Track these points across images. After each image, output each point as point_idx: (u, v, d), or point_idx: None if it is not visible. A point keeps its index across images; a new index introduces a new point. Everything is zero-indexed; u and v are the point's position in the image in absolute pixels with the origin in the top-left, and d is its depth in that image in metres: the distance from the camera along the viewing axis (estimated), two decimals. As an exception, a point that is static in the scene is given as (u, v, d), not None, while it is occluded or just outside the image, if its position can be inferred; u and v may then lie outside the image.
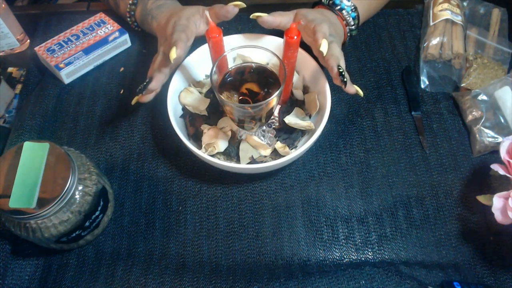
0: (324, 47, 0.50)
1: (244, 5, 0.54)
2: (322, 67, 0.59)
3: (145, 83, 0.52)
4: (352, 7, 0.61)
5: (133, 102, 0.54)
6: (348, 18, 0.61)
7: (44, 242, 0.47)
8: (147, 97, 0.54)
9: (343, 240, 0.54)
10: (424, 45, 0.68)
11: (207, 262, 0.53)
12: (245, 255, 0.53)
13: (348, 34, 0.64)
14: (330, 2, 0.62)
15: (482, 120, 0.60)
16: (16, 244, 0.52)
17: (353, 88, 0.52)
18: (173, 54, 0.50)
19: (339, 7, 0.61)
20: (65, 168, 0.45)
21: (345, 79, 0.50)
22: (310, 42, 0.56)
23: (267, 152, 0.57)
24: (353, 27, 0.63)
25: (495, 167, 0.52)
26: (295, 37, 0.49)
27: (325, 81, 0.58)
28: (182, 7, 0.61)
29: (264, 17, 0.55)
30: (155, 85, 0.53)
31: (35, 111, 0.62)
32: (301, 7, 0.57)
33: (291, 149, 0.58)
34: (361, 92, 0.52)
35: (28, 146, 0.46)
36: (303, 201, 0.57)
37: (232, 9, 0.55)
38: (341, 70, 0.50)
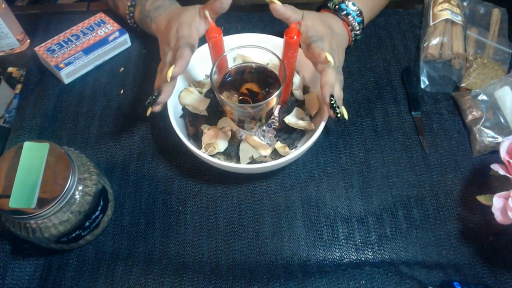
0: (330, 59, 0.50)
1: None
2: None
3: (154, 96, 0.52)
4: (358, 12, 0.61)
5: (148, 114, 0.53)
6: (353, 23, 0.61)
7: (44, 242, 0.47)
8: (159, 108, 0.54)
9: (343, 240, 0.54)
10: (424, 45, 0.68)
11: (207, 262, 0.53)
12: (245, 255, 0.53)
13: (353, 39, 0.64)
14: (336, 6, 0.61)
15: (482, 120, 0.60)
16: (16, 244, 0.52)
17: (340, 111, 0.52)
18: (170, 73, 0.50)
19: (345, 12, 0.61)
20: (65, 168, 0.45)
21: (337, 113, 0.50)
22: (309, 58, 0.55)
23: (267, 152, 0.57)
24: (358, 31, 0.63)
25: (495, 167, 0.52)
26: (295, 37, 0.49)
27: (325, 81, 0.57)
28: (180, 9, 0.60)
29: (277, 6, 0.54)
30: (164, 98, 0.52)
31: (35, 111, 0.62)
32: (301, 7, 0.56)
33: (291, 149, 0.58)
34: (346, 116, 0.52)
35: (28, 146, 0.46)
36: (303, 201, 0.57)
37: (225, 1, 0.54)
38: (332, 102, 0.50)
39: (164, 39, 0.56)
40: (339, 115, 0.50)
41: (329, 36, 0.55)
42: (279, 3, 0.54)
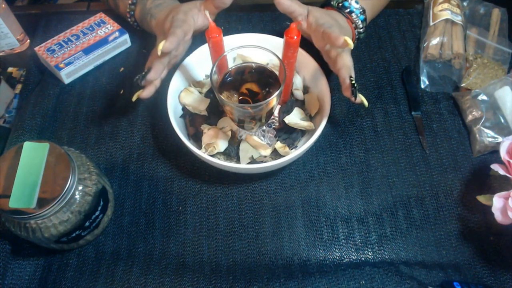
0: (350, 41, 0.49)
1: None
2: (322, 67, 0.59)
3: (143, 73, 0.52)
4: (361, 10, 0.61)
5: (134, 98, 0.53)
6: (357, 21, 0.61)
7: (44, 242, 0.47)
8: (147, 93, 0.54)
9: (343, 240, 0.54)
10: (424, 45, 0.68)
11: (207, 262, 0.53)
12: (245, 255, 0.53)
13: (357, 37, 0.64)
14: (340, 4, 0.61)
15: (482, 120, 0.60)
16: (16, 244, 0.52)
17: (359, 98, 0.52)
18: (160, 46, 0.50)
19: (348, 9, 0.61)
20: (65, 168, 0.45)
21: (355, 95, 0.50)
22: (320, 47, 0.55)
23: (267, 152, 0.57)
24: (361, 30, 0.63)
25: (495, 167, 0.52)
26: (295, 37, 0.49)
27: (325, 81, 0.58)
28: (180, 4, 0.61)
29: (282, 0, 0.54)
30: (153, 75, 0.52)
31: (35, 111, 0.62)
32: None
33: (291, 149, 0.58)
34: (366, 103, 0.52)
35: (28, 146, 0.46)
36: (303, 201, 0.57)
37: None
38: (353, 82, 0.50)
39: (160, 28, 0.57)
40: (356, 97, 0.50)
41: (338, 26, 0.55)
42: None
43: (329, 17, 0.57)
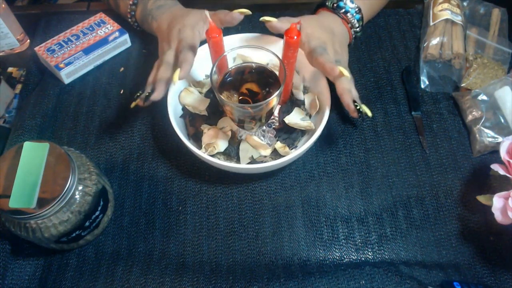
0: (346, 72, 0.51)
1: (250, 12, 0.54)
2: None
3: (147, 94, 0.52)
4: (356, 9, 0.61)
5: (132, 106, 0.54)
6: (353, 21, 0.62)
7: (44, 242, 0.47)
8: (146, 103, 0.55)
9: (343, 240, 0.54)
10: (424, 45, 0.68)
11: (207, 262, 0.53)
12: (245, 255, 0.53)
13: (353, 36, 0.64)
14: (335, 5, 0.62)
15: (482, 120, 0.60)
16: (16, 244, 0.52)
17: (364, 111, 0.53)
18: (176, 77, 0.51)
19: (343, 10, 0.61)
20: (65, 168, 0.45)
21: (360, 114, 0.52)
22: (317, 67, 0.56)
23: (267, 152, 0.57)
24: (357, 29, 0.63)
25: (495, 167, 0.52)
26: (295, 37, 0.49)
27: (325, 81, 0.58)
28: (184, 11, 0.61)
29: (273, 23, 0.55)
30: (157, 96, 0.53)
31: (35, 111, 0.62)
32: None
33: (291, 149, 0.58)
34: (370, 114, 0.53)
35: (28, 146, 0.46)
36: (303, 201, 0.57)
37: (237, 16, 0.55)
38: (358, 107, 0.52)
39: (165, 37, 0.57)
40: (362, 113, 0.52)
41: (331, 40, 0.55)
42: (274, 19, 0.54)
43: (321, 30, 0.57)
